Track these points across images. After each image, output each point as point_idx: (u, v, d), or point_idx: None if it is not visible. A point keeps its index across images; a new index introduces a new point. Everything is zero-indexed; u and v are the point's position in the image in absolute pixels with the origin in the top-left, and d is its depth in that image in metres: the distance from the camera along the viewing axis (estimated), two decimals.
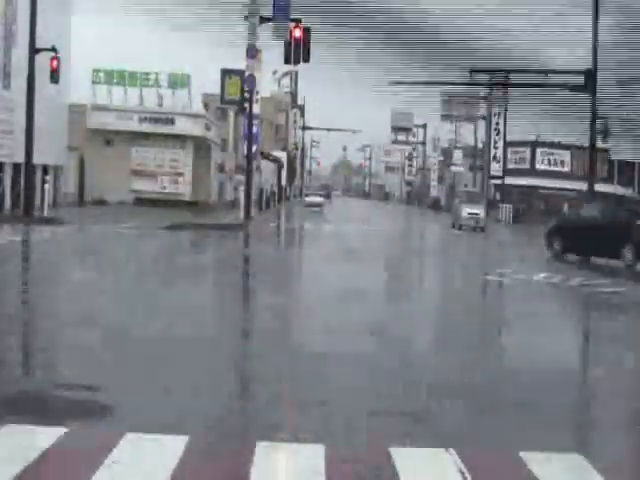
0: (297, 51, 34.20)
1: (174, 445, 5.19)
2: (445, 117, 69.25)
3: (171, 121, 46.06)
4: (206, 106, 56.55)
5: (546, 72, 36.99)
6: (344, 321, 10.74)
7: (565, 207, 48.15)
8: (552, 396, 7.24)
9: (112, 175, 45.05)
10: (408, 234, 37.75)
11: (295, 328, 10.61)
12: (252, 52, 34.14)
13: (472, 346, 10.06)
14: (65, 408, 5.99)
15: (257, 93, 44.86)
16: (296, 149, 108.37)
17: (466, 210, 40.25)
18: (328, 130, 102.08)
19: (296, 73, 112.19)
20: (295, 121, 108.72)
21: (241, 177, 42.92)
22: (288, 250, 23.79)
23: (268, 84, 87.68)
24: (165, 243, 22.60)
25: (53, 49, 28.99)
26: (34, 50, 28.40)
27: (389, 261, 21.56)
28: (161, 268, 15.99)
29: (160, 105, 46.97)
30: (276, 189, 71.10)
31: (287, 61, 34.79)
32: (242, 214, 34.09)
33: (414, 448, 5.39)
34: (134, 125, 46.06)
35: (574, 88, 36.66)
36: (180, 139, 46.46)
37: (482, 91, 66.43)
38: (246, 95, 36.14)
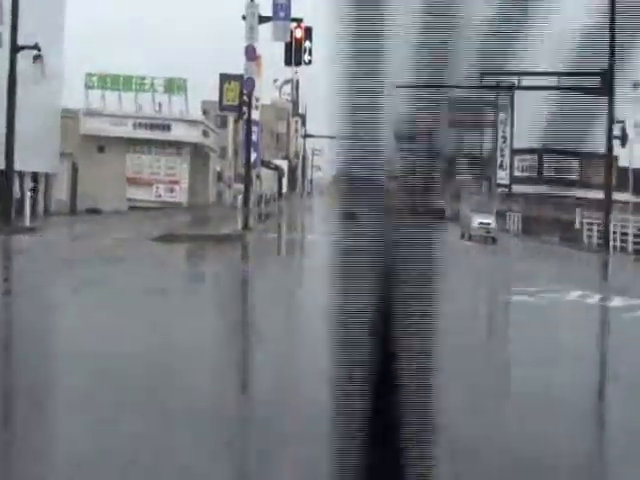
0: (298, 53, 32.54)
1: None
2: (451, 124, 67.33)
3: (167, 127, 44.29)
4: (205, 113, 55.08)
5: (559, 74, 35.22)
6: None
7: (577, 216, 46.19)
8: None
9: (106, 183, 43.31)
10: None
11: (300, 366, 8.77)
12: (251, 53, 32.39)
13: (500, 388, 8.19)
14: None
15: (257, 100, 43.39)
16: (297, 158, 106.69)
17: (477, 220, 38.09)
18: (330, 138, 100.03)
19: (297, 81, 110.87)
20: (296, 130, 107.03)
21: (240, 186, 41.16)
22: (289, 265, 21.56)
23: (269, 91, 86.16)
24: (150, 258, 20.44)
25: (36, 47, 27.19)
26: (16, 48, 26.60)
27: None
28: (135, 290, 13.95)
29: (158, 110, 45.21)
30: (277, 198, 69.40)
31: (288, 63, 33.14)
32: (240, 224, 32.23)
33: None
34: (129, 131, 44.30)
35: (590, 91, 34.92)
36: (176, 146, 44.69)
37: (487, 97, 64.78)
38: (245, 99, 34.32)
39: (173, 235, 25.94)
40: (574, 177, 72.79)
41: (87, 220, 36.65)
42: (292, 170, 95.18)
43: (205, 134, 46.74)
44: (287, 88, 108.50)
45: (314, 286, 15.52)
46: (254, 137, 42.82)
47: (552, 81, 33.38)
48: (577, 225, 44.67)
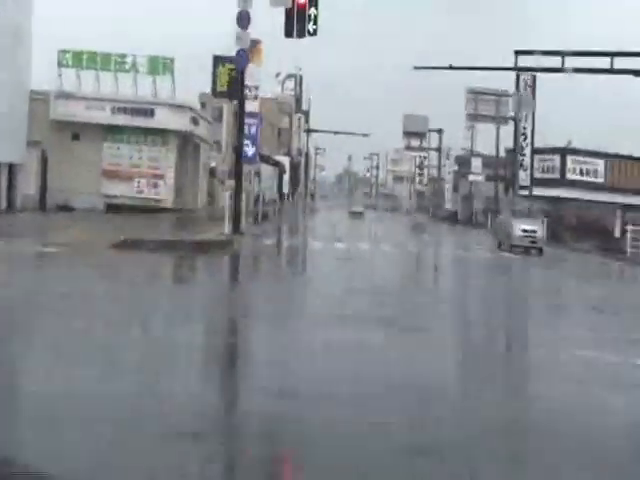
0: (301, 21, 27.02)
1: None
2: (471, 117, 61.81)
3: (150, 112, 38.61)
4: (203, 106, 49.96)
5: (612, 54, 29.69)
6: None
7: (617, 223, 40.75)
8: None
9: (80, 176, 37.89)
10: (449, 259, 29.46)
11: None
12: (244, 21, 26.89)
13: None
14: None
15: (256, 89, 38.17)
16: (300, 155, 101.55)
17: (519, 226, 32.07)
18: (335, 133, 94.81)
19: (301, 77, 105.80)
20: (299, 126, 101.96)
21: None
22: (288, 290, 14.94)
23: (271, 86, 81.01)
24: (88, 276, 14.54)
25: None
26: None
27: (448, 315, 13.48)
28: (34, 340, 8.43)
29: (153, 94, 39.36)
30: (277, 197, 63.79)
31: (289, 34, 27.59)
32: (227, 227, 26.67)
33: None
34: (106, 116, 38.63)
35: None
36: (161, 134, 38.99)
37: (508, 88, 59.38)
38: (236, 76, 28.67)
39: (138, 241, 20.37)
40: (600, 180, 67.37)
41: (48, 219, 31.24)
42: (294, 167, 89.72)
43: (194, 122, 41.09)
44: (290, 84, 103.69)
45: (320, 330, 9.95)
46: (253, 130, 37.37)
47: (604, 62, 26.83)
48: (617, 233, 39.31)
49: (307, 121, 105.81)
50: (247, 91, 36.00)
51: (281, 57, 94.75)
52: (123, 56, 39.10)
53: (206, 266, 19.03)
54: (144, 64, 38.90)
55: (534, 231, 31.81)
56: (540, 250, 31.34)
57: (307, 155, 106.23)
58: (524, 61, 31.31)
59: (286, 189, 76.84)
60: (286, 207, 72.12)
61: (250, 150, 36.83)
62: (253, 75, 36.58)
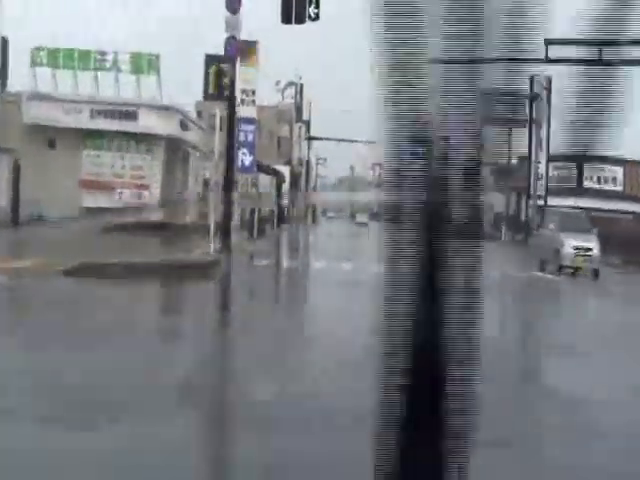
0: (301, 4, 23.36)
1: None
2: (485, 121, 58.07)
3: (134, 115, 34.95)
4: (199, 114, 46.94)
5: None
6: None
7: None
8: None
9: (56, 186, 34.41)
10: (488, 285, 24.64)
11: None
12: (234, 3, 23.21)
13: None
14: None
15: (253, 93, 35.32)
16: (301, 165, 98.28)
17: (571, 243, 27.08)
18: (338, 141, 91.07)
19: (301, 85, 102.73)
20: (300, 135, 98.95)
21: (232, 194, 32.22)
22: (288, 351, 10.34)
23: (269, 92, 77.82)
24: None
25: None
26: None
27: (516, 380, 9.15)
28: None
29: (137, 95, 35.86)
30: (275, 209, 59.94)
31: (286, 20, 23.92)
32: (212, 246, 22.91)
33: None
34: (85, 120, 35.13)
35: None
36: (146, 140, 35.45)
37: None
38: (223, 66, 24.89)
39: (99, 265, 16.52)
40: (619, 188, 63.76)
41: (14, 235, 27.70)
42: (295, 178, 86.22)
43: (184, 126, 37.38)
44: (291, 92, 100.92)
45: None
46: (250, 137, 34.45)
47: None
48: None
49: (308, 130, 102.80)
50: (244, 95, 33.29)
51: (281, 63, 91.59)
52: (103, 53, 35.59)
53: (174, 302, 14.96)
54: (127, 62, 35.41)
55: (589, 249, 27.18)
56: (595, 272, 26.84)
57: (308, 164, 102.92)
58: (555, 52, 27.46)
59: (286, 200, 73.31)
60: (285, 219, 68.34)
61: (247, 159, 34.05)
62: (249, 79, 33.57)
